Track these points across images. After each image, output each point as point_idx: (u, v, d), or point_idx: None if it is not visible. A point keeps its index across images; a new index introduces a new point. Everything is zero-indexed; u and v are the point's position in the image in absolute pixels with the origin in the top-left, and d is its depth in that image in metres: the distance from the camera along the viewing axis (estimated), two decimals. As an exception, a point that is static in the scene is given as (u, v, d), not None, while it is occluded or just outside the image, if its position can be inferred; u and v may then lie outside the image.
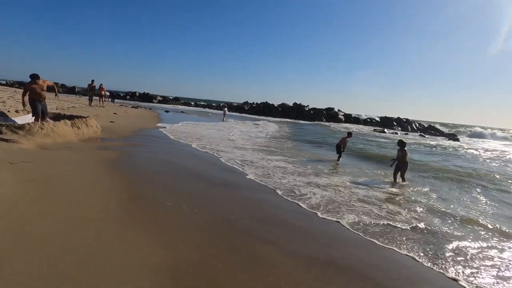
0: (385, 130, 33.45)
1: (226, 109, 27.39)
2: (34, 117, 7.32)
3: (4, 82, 46.44)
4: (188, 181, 5.43)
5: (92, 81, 18.78)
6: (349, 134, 10.90)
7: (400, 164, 7.68)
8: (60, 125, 6.87)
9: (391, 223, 4.51)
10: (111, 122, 12.05)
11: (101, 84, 19.62)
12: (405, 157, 7.64)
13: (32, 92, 7.09)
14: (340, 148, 10.67)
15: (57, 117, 8.78)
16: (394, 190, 6.73)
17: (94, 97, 19.27)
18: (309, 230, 3.95)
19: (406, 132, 34.69)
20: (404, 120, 41.94)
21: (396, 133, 32.51)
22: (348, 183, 6.84)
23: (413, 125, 41.29)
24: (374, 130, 33.48)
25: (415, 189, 6.99)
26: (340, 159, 10.18)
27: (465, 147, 20.64)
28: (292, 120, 38.31)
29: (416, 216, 4.97)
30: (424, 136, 31.01)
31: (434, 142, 22.98)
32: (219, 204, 4.40)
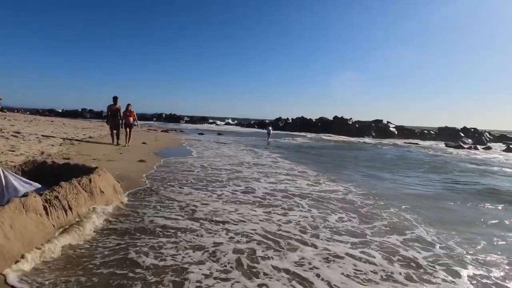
0: (461, 143, 27.28)
1: (270, 128, 22.51)
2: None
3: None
4: None
5: (115, 99, 10.44)
6: None
7: None
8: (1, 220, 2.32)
9: None
10: (141, 161, 7.64)
11: (128, 105, 10.69)
12: None
13: None
14: None
15: (41, 169, 4.41)
16: None
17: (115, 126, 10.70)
18: None
19: (485, 146, 28.20)
20: (472, 130, 35.25)
21: (476, 148, 26.25)
22: None
23: (485, 135, 34.63)
24: (446, 145, 27.44)
25: None
26: None
27: None
28: (328, 136, 33.02)
29: None
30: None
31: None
32: None
